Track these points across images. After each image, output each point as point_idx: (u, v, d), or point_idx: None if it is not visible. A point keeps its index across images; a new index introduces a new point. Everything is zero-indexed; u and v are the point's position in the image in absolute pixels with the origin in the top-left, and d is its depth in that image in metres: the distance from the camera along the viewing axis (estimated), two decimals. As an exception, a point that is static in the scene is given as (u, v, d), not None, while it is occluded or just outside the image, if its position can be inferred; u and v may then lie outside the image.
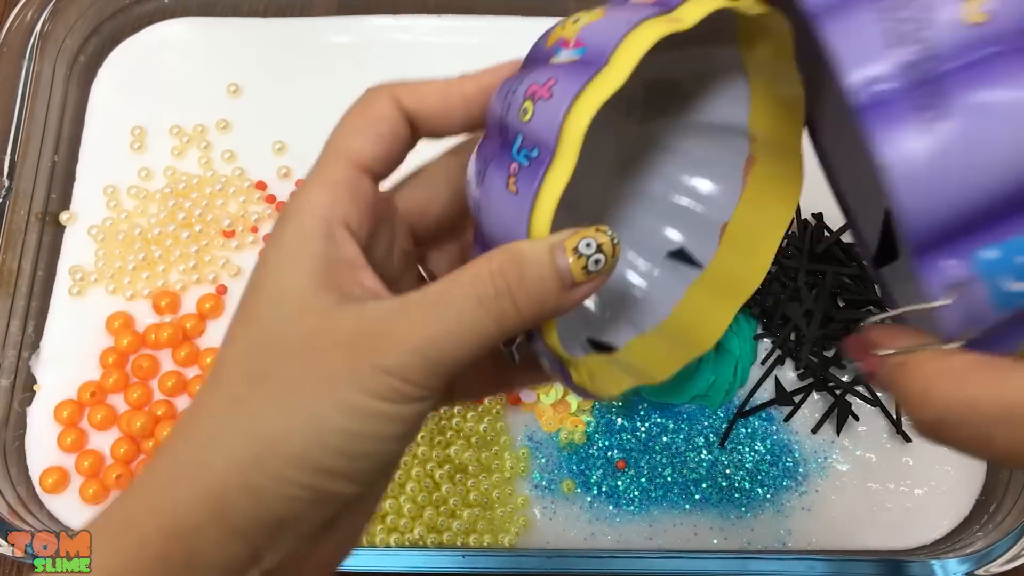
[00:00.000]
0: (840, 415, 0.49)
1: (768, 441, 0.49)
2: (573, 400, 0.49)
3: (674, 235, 0.31)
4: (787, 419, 0.49)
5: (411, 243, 0.29)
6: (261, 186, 0.54)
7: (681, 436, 0.49)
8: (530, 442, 0.49)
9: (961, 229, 0.22)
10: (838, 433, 0.49)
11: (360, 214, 0.27)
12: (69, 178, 0.54)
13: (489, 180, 0.25)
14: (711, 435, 0.49)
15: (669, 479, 0.48)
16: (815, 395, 0.50)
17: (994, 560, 0.43)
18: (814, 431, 0.49)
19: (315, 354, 0.25)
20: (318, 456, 0.24)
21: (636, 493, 0.48)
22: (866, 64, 0.21)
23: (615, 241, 0.25)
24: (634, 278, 0.32)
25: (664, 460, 0.48)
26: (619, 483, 0.48)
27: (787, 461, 0.49)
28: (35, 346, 0.50)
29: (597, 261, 0.25)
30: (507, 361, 0.27)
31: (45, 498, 0.48)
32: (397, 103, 0.29)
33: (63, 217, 0.53)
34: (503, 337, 0.25)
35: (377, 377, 0.24)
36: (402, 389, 0.24)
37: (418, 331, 0.24)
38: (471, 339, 0.24)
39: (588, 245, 0.25)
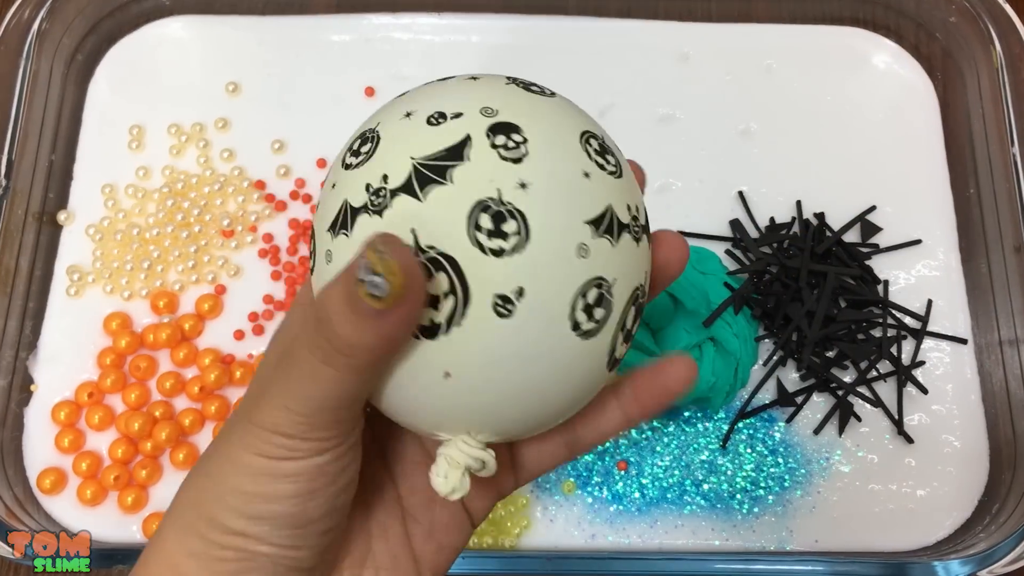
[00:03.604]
0: (842, 416, 0.49)
1: (770, 442, 0.49)
2: (574, 401, 0.49)
3: None
4: (789, 420, 0.49)
5: None
6: (260, 185, 0.54)
7: (682, 437, 0.49)
8: (530, 443, 0.49)
9: None
10: (840, 434, 0.49)
11: None
12: (66, 177, 0.54)
13: None
14: (712, 436, 0.49)
15: (670, 480, 0.48)
16: (817, 396, 0.50)
17: (997, 561, 0.43)
18: (816, 432, 0.49)
19: (230, 419, 0.27)
20: (227, 518, 0.25)
21: (637, 494, 0.48)
22: None
23: (385, 256, 0.22)
24: None
25: (665, 461, 0.48)
26: (620, 484, 0.48)
27: (789, 462, 0.48)
28: (32, 346, 0.50)
29: (375, 285, 0.22)
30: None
31: (43, 499, 0.47)
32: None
33: (60, 216, 0.52)
34: (353, 381, 0.24)
35: (260, 435, 0.25)
36: (286, 444, 0.25)
37: (280, 387, 0.24)
38: (317, 387, 0.24)
39: (364, 267, 0.22)
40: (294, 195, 0.54)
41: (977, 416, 0.50)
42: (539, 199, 0.24)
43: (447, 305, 0.23)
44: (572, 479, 0.48)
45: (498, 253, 0.24)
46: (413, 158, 0.24)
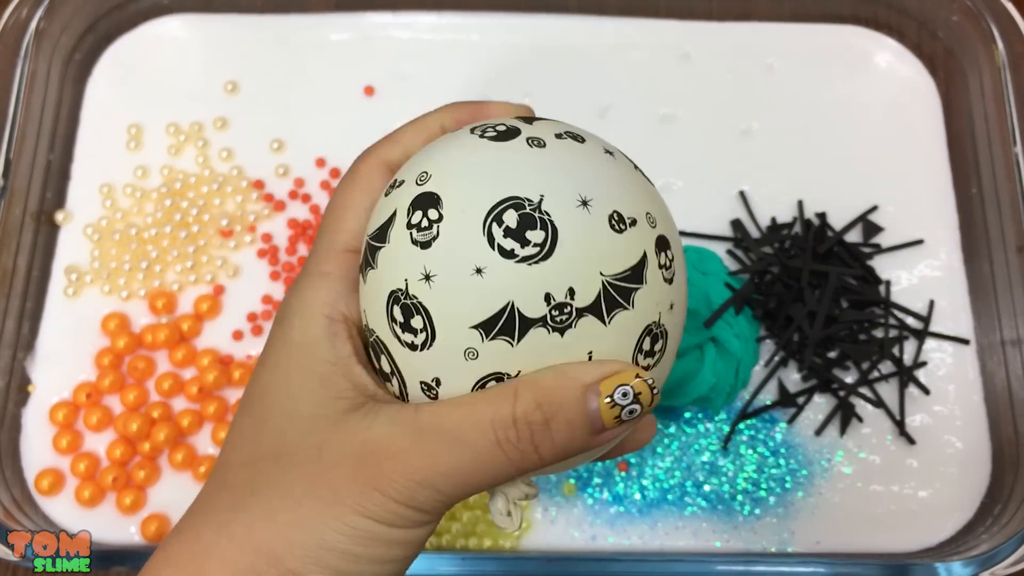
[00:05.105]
0: (844, 417, 0.49)
1: (771, 443, 0.49)
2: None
3: None
4: (790, 421, 0.49)
5: None
6: (259, 184, 0.53)
7: (683, 438, 0.49)
8: (531, 444, 0.48)
9: None
10: (842, 435, 0.49)
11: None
12: (64, 177, 0.53)
13: None
14: (713, 437, 0.49)
15: (671, 481, 0.48)
16: (818, 397, 0.49)
17: (999, 563, 0.43)
18: (817, 433, 0.49)
19: (321, 468, 0.24)
20: (312, 573, 0.24)
21: (637, 495, 0.47)
22: None
23: (655, 389, 0.23)
24: None
25: (666, 462, 0.48)
26: (620, 485, 0.48)
27: (790, 463, 0.48)
28: (30, 347, 0.50)
29: (632, 411, 0.23)
30: None
31: (40, 500, 0.47)
32: (384, 164, 0.28)
33: (58, 216, 0.52)
34: (520, 475, 0.24)
35: (382, 502, 0.23)
36: (406, 515, 0.24)
37: (430, 463, 0.23)
38: (486, 477, 0.24)
39: (625, 395, 0.23)
40: (293, 195, 0.53)
41: (979, 417, 0.49)
42: (676, 318, 0.26)
43: None
44: (572, 480, 0.48)
45: (646, 369, 0.25)
46: (603, 275, 0.23)
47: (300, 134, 0.55)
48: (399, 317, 0.24)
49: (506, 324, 0.23)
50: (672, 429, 0.49)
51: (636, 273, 0.24)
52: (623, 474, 0.48)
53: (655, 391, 0.23)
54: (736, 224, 0.52)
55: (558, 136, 0.26)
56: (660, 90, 0.56)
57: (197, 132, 0.55)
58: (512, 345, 0.23)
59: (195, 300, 0.51)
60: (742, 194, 0.53)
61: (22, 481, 0.47)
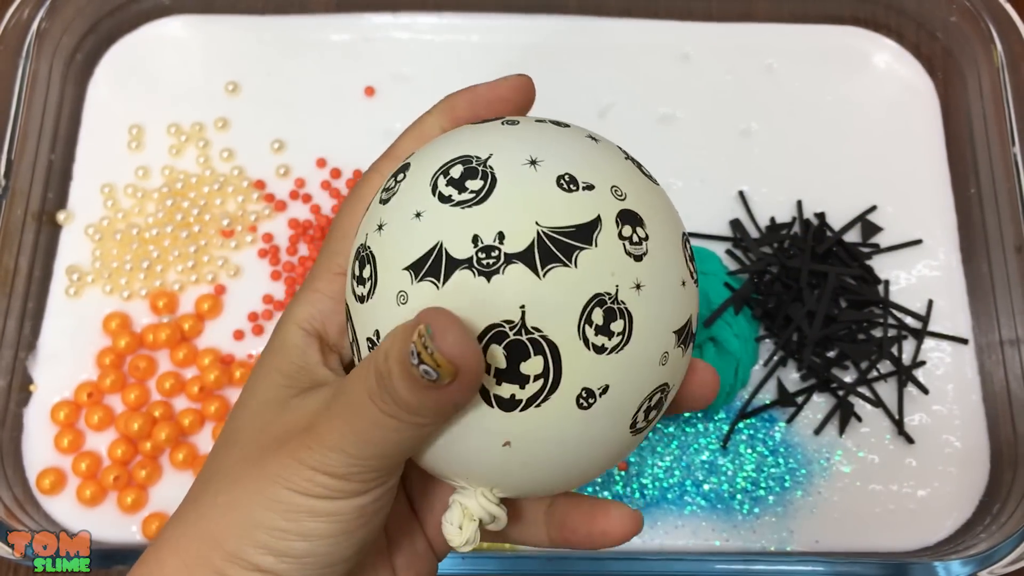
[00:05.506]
0: (843, 416, 0.49)
1: (770, 442, 0.49)
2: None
3: None
4: (789, 420, 0.49)
5: None
6: (260, 185, 0.54)
7: (682, 437, 0.49)
8: (530, 443, 0.49)
9: None
10: (841, 434, 0.49)
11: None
12: (66, 177, 0.54)
13: None
14: (713, 436, 0.49)
15: (671, 481, 0.48)
16: (817, 396, 0.49)
17: (998, 561, 0.43)
18: (816, 432, 0.49)
19: (258, 449, 0.25)
20: (252, 555, 0.24)
21: (637, 495, 0.48)
22: None
23: (430, 350, 0.20)
24: None
25: (665, 461, 0.48)
26: (620, 485, 0.48)
27: (789, 462, 0.48)
28: (31, 346, 0.50)
29: (427, 373, 0.21)
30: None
31: (42, 499, 0.47)
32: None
33: (60, 216, 0.52)
34: (416, 435, 0.23)
35: (303, 473, 0.23)
36: (329, 484, 0.24)
37: (336, 427, 0.23)
38: (379, 434, 0.23)
39: (412, 353, 0.21)
40: (294, 195, 0.54)
41: (978, 416, 0.49)
42: (647, 304, 0.24)
43: (534, 387, 0.23)
44: (572, 479, 0.48)
45: (599, 350, 0.23)
46: (539, 224, 0.23)
47: (301, 134, 0.55)
48: (356, 271, 0.25)
49: (433, 264, 0.23)
50: (672, 429, 0.49)
51: (583, 233, 0.23)
52: (623, 473, 0.48)
53: (431, 352, 0.20)
54: (735, 224, 0.53)
55: (539, 121, 0.26)
56: (660, 90, 0.56)
57: (198, 132, 0.55)
58: (437, 287, 0.23)
59: (196, 300, 0.51)
60: (741, 194, 0.53)
61: (24, 480, 0.48)
